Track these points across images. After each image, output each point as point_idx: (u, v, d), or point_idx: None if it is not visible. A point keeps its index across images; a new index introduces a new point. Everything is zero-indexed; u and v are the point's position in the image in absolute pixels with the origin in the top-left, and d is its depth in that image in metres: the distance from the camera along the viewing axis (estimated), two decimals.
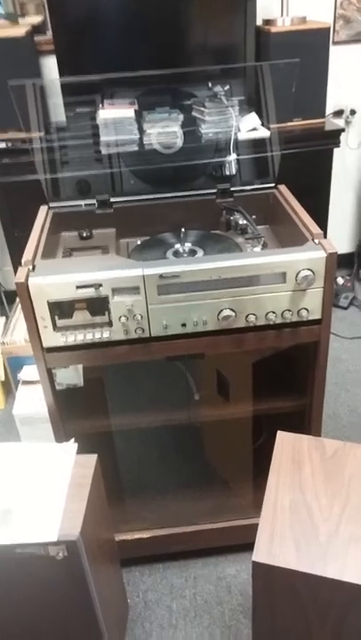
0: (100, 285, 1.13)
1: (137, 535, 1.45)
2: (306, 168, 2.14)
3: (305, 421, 1.38)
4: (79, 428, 1.34)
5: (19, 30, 2.01)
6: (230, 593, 1.44)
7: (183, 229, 1.40)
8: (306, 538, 0.99)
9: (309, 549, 0.97)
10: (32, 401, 1.70)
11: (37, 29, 2.17)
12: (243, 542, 1.46)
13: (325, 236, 1.21)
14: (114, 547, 1.31)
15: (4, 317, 2.24)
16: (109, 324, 1.17)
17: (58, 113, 1.61)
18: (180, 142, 1.51)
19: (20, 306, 1.20)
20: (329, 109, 2.31)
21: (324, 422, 1.92)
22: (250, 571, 0.98)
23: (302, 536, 0.99)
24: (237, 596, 1.43)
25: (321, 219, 2.20)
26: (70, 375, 1.41)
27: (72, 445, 1.19)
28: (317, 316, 1.21)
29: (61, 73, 2.00)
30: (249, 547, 0.99)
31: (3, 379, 2.11)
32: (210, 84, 1.55)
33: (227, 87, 1.56)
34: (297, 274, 1.15)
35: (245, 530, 1.37)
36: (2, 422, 2.03)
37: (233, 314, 1.18)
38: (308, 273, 1.15)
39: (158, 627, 1.38)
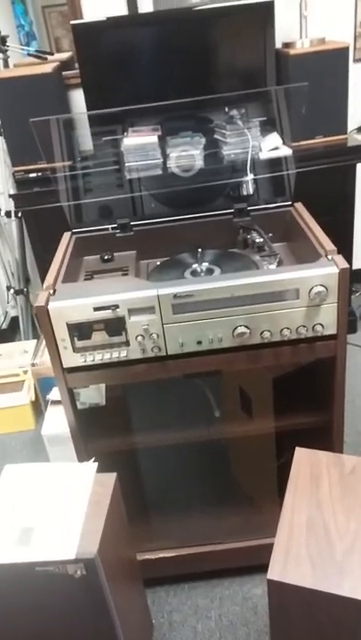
0: (117, 307, 1.17)
1: (161, 554, 1.45)
2: (330, 184, 2.14)
3: (328, 438, 1.36)
4: (102, 447, 1.36)
5: (46, 67, 2.12)
6: (256, 614, 1.42)
7: (200, 249, 1.43)
8: (322, 556, 0.98)
9: (325, 567, 0.96)
10: (60, 421, 1.73)
11: (67, 64, 2.28)
12: (269, 562, 1.43)
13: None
14: (135, 566, 1.31)
15: (35, 340, 2.32)
16: (127, 343, 1.20)
17: (87, 142, 1.68)
18: (198, 165, 1.54)
19: None
20: (352, 125, 2.31)
21: (353, 439, 1.88)
22: None
23: (318, 554, 0.98)
24: (264, 617, 1.40)
25: (346, 234, 2.19)
26: (93, 395, 1.44)
27: (92, 465, 1.21)
28: (333, 331, 1.20)
29: (88, 104, 2.09)
30: None
31: (33, 399, 2.16)
32: (226, 109, 1.59)
33: (242, 110, 1.59)
34: (310, 290, 1.16)
35: (272, 549, 1.35)
36: (32, 442, 2.08)
37: (248, 330, 1.19)
38: (322, 289, 1.15)
39: None
